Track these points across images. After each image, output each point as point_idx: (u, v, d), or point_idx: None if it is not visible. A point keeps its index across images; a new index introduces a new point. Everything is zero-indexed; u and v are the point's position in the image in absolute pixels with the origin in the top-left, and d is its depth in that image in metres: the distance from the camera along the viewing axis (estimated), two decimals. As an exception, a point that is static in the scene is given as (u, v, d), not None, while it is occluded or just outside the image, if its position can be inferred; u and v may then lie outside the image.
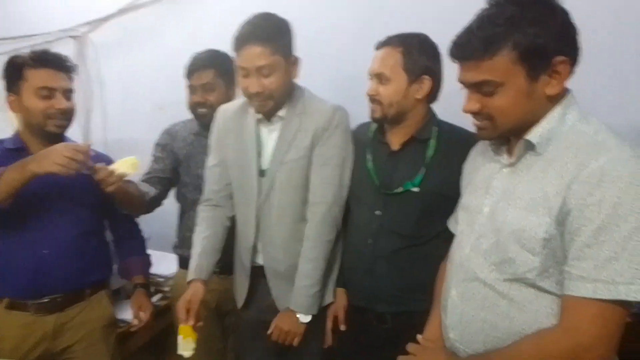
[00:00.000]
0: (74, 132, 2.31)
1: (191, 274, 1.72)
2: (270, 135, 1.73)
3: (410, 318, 1.60)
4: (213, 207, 1.83)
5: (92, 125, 2.75)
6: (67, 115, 1.74)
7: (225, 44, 2.35)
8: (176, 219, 2.19)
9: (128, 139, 2.67)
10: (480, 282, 1.18)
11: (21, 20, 2.84)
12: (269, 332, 1.71)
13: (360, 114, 1.77)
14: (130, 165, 1.64)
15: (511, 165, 1.18)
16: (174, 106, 2.14)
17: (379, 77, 1.62)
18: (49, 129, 1.70)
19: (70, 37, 2.74)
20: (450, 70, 1.30)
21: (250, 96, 1.64)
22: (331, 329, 1.78)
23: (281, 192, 1.71)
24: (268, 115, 1.71)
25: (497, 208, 1.17)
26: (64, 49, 2.70)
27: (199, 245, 1.77)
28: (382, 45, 1.65)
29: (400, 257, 1.64)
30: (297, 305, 1.69)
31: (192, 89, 2.06)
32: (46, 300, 1.70)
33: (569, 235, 1.03)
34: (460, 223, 1.34)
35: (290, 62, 1.65)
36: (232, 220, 1.85)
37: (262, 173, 1.72)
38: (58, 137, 1.74)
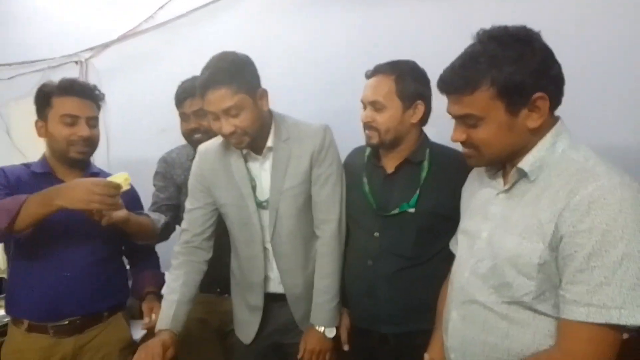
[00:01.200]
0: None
1: (165, 322, 1.65)
2: (262, 167, 1.72)
3: (413, 338, 1.61)
4: (193, 250, 1.77)
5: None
6: (90, 143, 1.76)
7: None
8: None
9: (131, 161, 2.70)
10: (480, 304, 1.21)
11: (26, 46, 2.91)
12: (299, 356, 1.71)
13: (354, 138, 1.82)
14: (123, 180, 1.63)
15: (506, 191, 1.21)
16: (175, 128, 2.18)
17: (374, 105, 1.63)
18: (71, 155, 1.73)
19: (74, 62, 2.81)
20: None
21: (225, 137, 1.61)
22: (334, 349, 1.77)
23: (288, 219, 1.71)
24: (255, 149, 1.68)
25: (495, 234, 1.20)
26: (68, 74, 2.79)
27: (178, 292, 1.70)
28: (373, 73, 1.66)
29: (401, 278, 1.65)
30: (321, 320, 1.71)
31: (184, 117, 2.06)
32: (66, 322, 1.72)
33: (563, 260, 1.05)
34: (460, 246, 1.37)
35: (257, 96, 1.60)
36: (208, 263, 1.81)
37: (261, 205, 1.71)
38: (81, 163, 1.79)
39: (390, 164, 1.70)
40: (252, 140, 1.62)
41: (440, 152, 1.68)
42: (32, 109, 2.85)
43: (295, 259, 1.75)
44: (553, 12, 1.95)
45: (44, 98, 1.74)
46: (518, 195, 1.18)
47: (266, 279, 1.77)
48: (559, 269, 1.07)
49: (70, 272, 1.72)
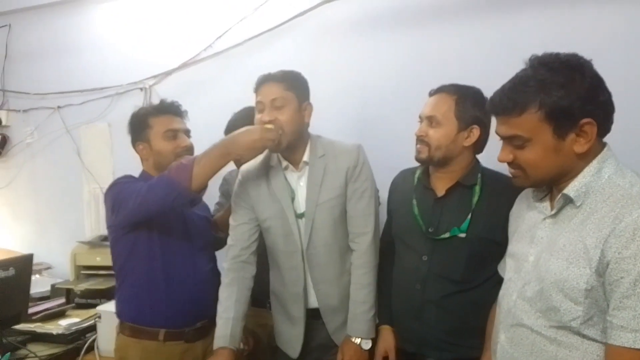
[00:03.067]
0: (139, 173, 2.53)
1: (223, 340, 1.71)
2: (299, 181, 1.81)
3: None
4: (242, 265, 1.84)
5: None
6: (191, 152, 1.91)
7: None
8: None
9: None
10: (528, 328, 1.22)
11: (95, 73, 3.10)
12: None
13: (397, 160, 1.88)
14: None
15: (552, 216, 1.23)
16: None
17: (430, 120, 1.66)
18: None
19: (139, 89, 2.98)
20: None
21: (262, 125, 1.70)
22: None
23: (323, 230, 1.78)
24: (292, 162, 1.78)
25: (541, 258, 1.21)
26: (133, 100, 2.97)
27: (232, 309, 1.76)
28: (437, 91, 1.71)
29: (450, 302, 1.64)
30: (358, 331, 1.75)
31: None
32: (199, 325, 1.85)
33: (610, 286, 1.07)
34: (508, 270, 1.38)
35: (302, 104, 1.76)
36: (254, 279, 1.88)
37: (299, 216, 1.79)
38: None
39: (440, 186, 1.70)
40: (287, 144, 1.72)
41: (492, 177, 1.68)
42: (100, 132, 3.12)
43: (330, 270, 1.80)
44: (601, 35, 1.96)
45: (142, 121, 1.91)
46: (564, 220, 1.20)
47: (306, 291, 1.82)
48: (606, 295, 1.08)
49: (199, 279, 1.85)
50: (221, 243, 2.18)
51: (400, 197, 1.81)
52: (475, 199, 1.64)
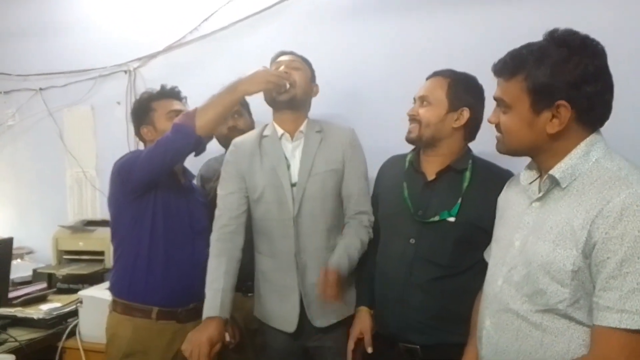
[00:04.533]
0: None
1: (213, 310, 1.69)
2: (294, 152, 1.85)
3: (442, 352, 1.60)
4: (230, 235, 1.84)
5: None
6: None
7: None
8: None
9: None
10: (514, 313, 1.22)
11: (78, 55, 3.04)
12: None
13: (385, 146, 1.89)
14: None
15: (539, 199, 1.23)
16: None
17: (422, 100, 1.70)
18: None
19: (123, 71, 2.94)
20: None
21: (280, 78, 1.79)
22: (352, 350, 1.76)
23: (313, 201, 1.81)
24: (289, 131, 1.85)
25: (528, 241, 1.21)
26: (117, 82, 2.95)
27: (222, 280, 1.75)
28: (433, 74, 1.74)
29: (435, 287, 1.64)
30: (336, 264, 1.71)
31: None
32: (191, 306, 1.88)
33: (596, 267, 1.07)
34: (493, 255, 1.38)
35: (312, 80, 1.89)
36: (244, 250, 1.88)
37: (293, 185, 1.82)
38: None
39: (431, 170, 1.71)
40: (292, 98, 1.81)
41: (483, 165, 1.70)
42: (83, 115, 3.07)
43: (312, 242, 1.81)
44: (597, 25, 1.95)
45: (145, 105, 2.01)
46: (551, 203, 1.20)
47: (297, 258, 1.81)
48: (592, 276, 1.09)
49: (196, 261, 1.88)
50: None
51: (389, 182, 1.83)
52: (466, 184, 1.66)
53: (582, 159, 1.16)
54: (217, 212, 1.89)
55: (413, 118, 1.71)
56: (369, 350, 1.74)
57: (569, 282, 1.11)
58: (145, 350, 1.84)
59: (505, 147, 1.27)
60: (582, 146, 1.16)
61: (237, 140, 1.96)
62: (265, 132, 1.89)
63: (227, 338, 2.04)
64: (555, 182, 1.19)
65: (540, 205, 1.23)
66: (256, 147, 1.88)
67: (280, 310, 1.86)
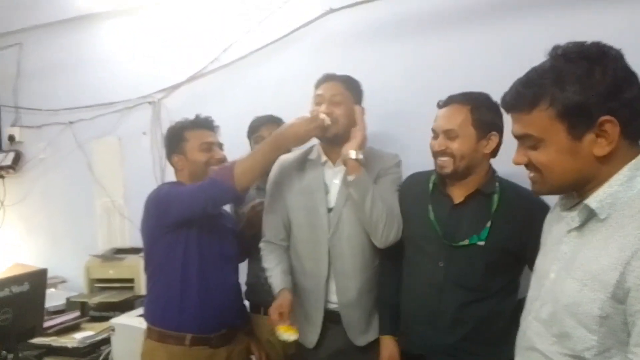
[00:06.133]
0: (151, 186, 2.56)
1: (278, 285, 1.82)
2: (333, 178, 1.86)
3: None
4: (277, 246, 1.94)
5: (166, 180, 2.99)
6: (223, 163, 1.97)
7: (282, 104, 2.56)
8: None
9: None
10: (540, 354, 1.09)
11: (105, 88, 3.15)
12: None
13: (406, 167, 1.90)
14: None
15: (577, 229, 1.07)
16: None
17: (448, 134, 1.62)
18: None
19: (147, 102, 3.02)
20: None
21: (318, 116, 1.79)
22: None
23: (349, 224, 1.81)
24: (331, 158, 1.87)
25: (560, 276, 1.07)
26: (142, 113, 3.04)
27: (278, 267, 1.87)
28: (447, 102, 1.67)
29: (465, 311, 1.62)
30: None
31: (259, 139, 2.25)
32: (224, 331, 1.91)
33: (631, 317, 0.92)
34: (530, 287, 1.23)
35: (358, 103, 1.88)
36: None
37: (329, 210, 1.84)
38: None
39: (458, 193, 1.69)
40: (335, 134, 1.81)
41: (510, 187, 1.67)
42: (111, 146, 3.16)
43: (350, 263, 1.82)
44: (608, 39, 1.95)
45: (178, 135, 2.00)
46: (588, 234, 1.04)
47: (327, 284, 1.84)
48: (627, 326, 0.93)
49: (228, 287, 1.95)
50: (245, 256, 2.24)
51: (412, 200, 1.79)
52: (494, 207, 1.63)
53: (625, 185, 0.99)
54: (263, 226, 1.98)
55: (443, 152, 1.64)
56: None
57: (597, 328, 0.96)
58: None
59: (548, 186, 1.10)
60: (624, 171, 1.00)
61: (283, 158, 1.97)
62: (311, 156, 1.93)
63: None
64: (591, 212, 1.03)
65: (578, 236, 1.07)
66: (298, 168, 1.93)
67: (302, 327, 1.87)
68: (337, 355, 1.86)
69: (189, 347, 1.84)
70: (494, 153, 1.68)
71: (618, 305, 0.93)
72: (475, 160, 1.63)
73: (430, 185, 1.76)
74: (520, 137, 1.09)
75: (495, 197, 1.63)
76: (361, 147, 1.77)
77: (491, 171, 1.70)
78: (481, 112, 1.61)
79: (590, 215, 1.03)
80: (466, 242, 1.62)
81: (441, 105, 1.69)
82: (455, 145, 1.61)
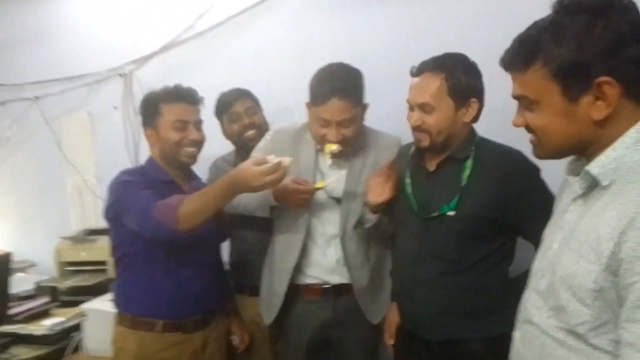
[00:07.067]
0: (124, 163, 2.43)
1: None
2: (332, 166, 1.80)
3: (457, 348, 1.56)
4: None
5: (140, 158, 2.85)
6: (198, 145, 1.83)
7: (261, 76, 2.46)
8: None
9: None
10: (537, 327, 1.05)
11: (73, 61, 3.00)
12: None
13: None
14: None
15: (582, 196, 1.01)
16: (215, 136, 2.21)
17: (422, 107, 1.53)
18: (182, 159, 1.79)
19: (118, 75, 2.87)
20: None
21: (325, 142, 1.72)
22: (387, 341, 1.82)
23: (355, 217, 1.80)
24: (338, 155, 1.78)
25: (561, 246, 1.02)
26: (113, 87, 2.89)
27: None
28: (419, 71, 1.56)
29: (442, 283, 1.58)
30: None
31: (235, 116, 2.17)
32: (199, 316, 1.81)
33: (623, 290, 0.87)
34: (535, 258, 1.17)
35: (364, 110, 1.77)
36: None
37: (334, 199, 1.81)
38: (188, 168, 1.88)
39: (433, 161, 1.61)
40: (345, 152, 1.75)
41: (487, 149, 1.57)
42: (81, 122, 3.00)
43: (361, 254, 1.84)
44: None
45: (152, 107, 1.80)
46: (591, 201, 0.98)
47: (302, 266, 1.85)
48: (621, 300, 0.88)
49: (202, 271, 1.82)
50: (225, 235, 2.14)
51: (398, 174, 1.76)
52: (467, 173, 1.54)
53: (632, 149, 0.92)
54: None
55: (419, 128, 1.55)
56: (390, 342, 1.79)
57: (591, 302, 0.91)
58: None
59: (546, 150, 1.04)
60: (632, 132, 0.92)
61: (277, 128, 1.92)
62: (308, 135, 1.84)
63: (236, 341, 2.03)
64: (593, 179, 0.96)
65: (582, 203, 1.01)
66: (292, 145, 1.84)
67: (267, 304, 1.96)
68: (332, 326, 1.88)
69: (160, 333, 1.75)
70: (476, 118, 1.58)
71: (613, 278, 0.88)
72: (454, 131, 1.55)
73: (409, 155, 1.71)
74: (517, 98, 1.03)
75: (469, 163, 1.55)
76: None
77: (469, 136, 1.60)
78: (457, 78, 1.50)
79: (594, 182, 0.96)
80: (436, 213, 1.56)
81: (414, 73, 1.58)
82: (431, 120, 1.52)
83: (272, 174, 1.50)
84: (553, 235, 1.08)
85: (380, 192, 1.67)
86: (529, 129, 1.04)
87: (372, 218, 1.75)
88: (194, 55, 2.69)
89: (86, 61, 2.95)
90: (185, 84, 1.92)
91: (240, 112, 2.17)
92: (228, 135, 2.24)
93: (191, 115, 1.81)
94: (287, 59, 2.10)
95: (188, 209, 1.58)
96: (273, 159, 1.51)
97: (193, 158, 1.82)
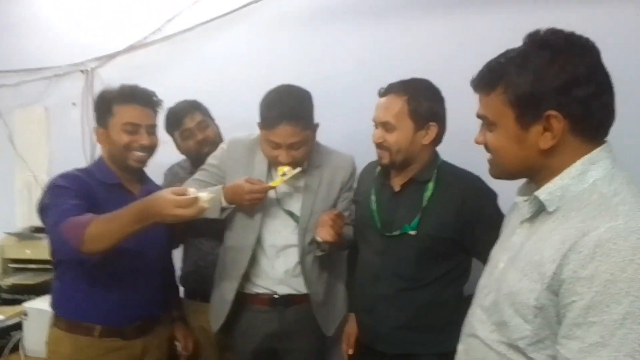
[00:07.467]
0: (78, 161, 2.38)
1: None
2: (286, 182, 1.80)
3: None
4: None
5: (96, 157, 2.79)
6: (149, 150, 1.75)
7: (225, 86, 2.46)
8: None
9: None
10: (480, 340, 1.11)
11: (32, 53, 2.92)
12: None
13: (361, 155, 1.87)
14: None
15: (529, 220, 1.09)
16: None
17: (384, 126, 1.61)
18: (130, 163, 1.72)
19: (80, 71, 2.81)
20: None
21: (277, 164, 1.76)
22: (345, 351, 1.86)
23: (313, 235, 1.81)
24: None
25: (507, 265, 1.09)
26: (74, 82, 2.83)
27: None
28: (386, 92, 1.64)
29: (399, 299, 1.64)
30: None
31: (188, 133, 2.12)
32: (139, 323, 1.75)
33: (562, 309, 0.93)
34: (482, 276, 1.24)
35: (314, 130, 1.80)
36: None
37: (295, 218, 1.84)
38: (139, 172, 1.81)
39: (397, 182, 1.68)
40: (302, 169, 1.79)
41: (448, 172, 1.65)
42: (36, 116, 2.93)
43: (320, 268, 1.87)
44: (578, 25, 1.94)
45: (105, 105, 1.73)
46: (538, 226, 1.05)
47: (250, 275, 1.86)
48: (559, 318, 0.95)
49: (146, 277, 1.75)
50: (176, 242, 2.12)
51: (363, 190, 1.82)
52: (428, 194, 1.62)
53: (577, 179, 0.99)
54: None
55: (380, 145, 1.64)
56: (349, 352, 1.83)
57: (532, 318, 0.98)
58: None
59: (497, 170, 1.12)
60: (578, 164, 0.99)
61: (233, 139, 1.93)
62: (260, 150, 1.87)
63: (179, 348, 1.99)
64: (539, 204, 1.04)
65: (529, 227, 1.08)
66: (246, 156, 1.87)
67: (216, 311, 1.97)
68: (277, 337, 1.90)
69: (98, 339, 1.69)
70: (436, 142, 1.66)
71: (553, 297, 0.95)
72: (413, 151, 1.62)
73: (376, 173, 1.77)
74: (480, 118, 1.11)
75: (430, 185, 1.62)
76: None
77: (431, 158, 1.67)
78: (418, 102, 1.58)
79: (541, 207, 1.04)
80: (398, 232, 1.63)
81: (381, 94, 1.66)
82: (392, 139, 1.60)
83: (185, 207, 1.39)
84: (499, 255, 1.14)
85: (327, 232, 1.68)
86: (487, 148, 1.11)
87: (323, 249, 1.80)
88: (159, 58, 2.66)
89: (46, 54, 2.89)
90: (149, 86, 1.89)
91: (192, 127, 2.12)
92: (183, 151, 2.21)
93: (144, 119, 1.73)
94: (255, 72, 2.10)
95: (94, 230, 1.46)
96: (193, 192, 1.42)
97: (142, 162, 1.76)
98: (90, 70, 2.80)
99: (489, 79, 1.05)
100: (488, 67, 1.06)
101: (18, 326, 2.15)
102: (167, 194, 1.42)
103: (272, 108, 1.71)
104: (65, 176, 1.70)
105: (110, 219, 1.48)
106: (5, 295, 2.45)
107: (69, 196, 1.61)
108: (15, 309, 2.26)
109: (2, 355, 2.08)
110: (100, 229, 1.47)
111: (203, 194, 1.42)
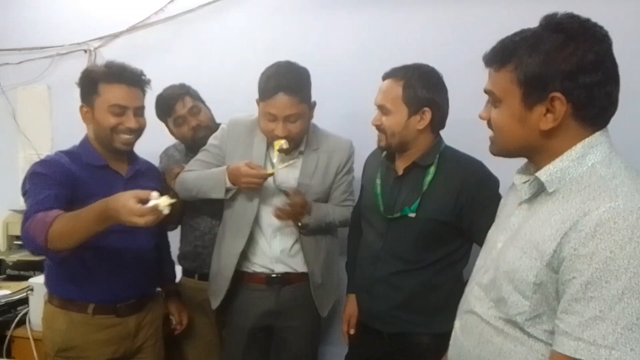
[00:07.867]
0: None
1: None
2: (283, 164, 1.85)
3: (406, 340, 1.69)
4: None
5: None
6: (136, 133, 1.72)
7: (227, 67, 2.46)
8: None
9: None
10: (478, 316, 1.15)
11: (35, 31, 2.91)
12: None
13: (358, 140, 1.90)
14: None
15: (527, 201, 1.12)
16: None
17: (381, 109, 1.66)
18: (116, 145, 1.69)
19: (82, 50, 2.81)
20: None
21: (273, 137, 1.77)
22: (345, 332, 1.92)
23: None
24: (287, 152, 1.83)
25: (505, 245, 1.12)
26: (76, 62, 2.81)
27: None
28: (386, 76, 1.68)
29: (398, 280, 1.69)
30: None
31: (181, 119, 2.11)
32: (133, 300, 1.78)
33: (562, 286, 0.96)
34: (479, 256, 1.28)
35: (311, 107, 1.82)
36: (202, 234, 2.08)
37: (286, 194, 1.86)
38: (127, 153, 1.78)
39: (400, 166, 1.72)
40: (293, 146, 1.82)
41: (450, 158, 1.68)
42: (39, 95, 2.94)
43: (316, 250, 1.94)
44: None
45: (91, 83, 1.67)
46: (536, 206, 1.08)
47: (248, 254, 1.91)
48: (558, 294, 0.98)
49: (138, 255, 1.76)
50: (173, 222, 2.17)
51: (369, 174, 1.86)
52: (429, 178, 1.65)
53: (576, 162, 1.02)
54: (191, 166, 1.97)
55: (378, 128, 1.69)
56: (351, 332, 1.89)
57: (531, 294, 1.01)
58: (82, 345, 1.72)
59: (497, 147, 1.14)
60: (578, 147, 1.02)
61: (234, 119, 1.96)
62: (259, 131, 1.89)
63: (173, 322, 2.05)
64: (540, 185, 1.07)
65: (527, 208, 1.12)
66: (246, 136, 1.90)
67: (215, 288, 2.01)
68: (275, 315, 1.96)
69: (91, 316, 1.71)
70: (436, 126, 1.68)
71: (552, 274, 0.98)
72: (407, 136, 1.65)
73: (382, 157, 1.80)
74: (487, 93, 1.12)
75: (432, 169, 1.66)
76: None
77: (433, 143, 1.70)
78: (414, 88, 1.61)
79: (541, 188, 1.07)
80: (398, 214, 1.66)
81: (383, 77, 1.70)
82: (387, 122, 1.64)
83: (142, 215, 1.34)
84: (497, 236, 1.18)
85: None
86: (489, 124, 1.13)
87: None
88: (162, 38, 2.67)
89: (50, 33, 2.87)
90: (151, 66, 1.90)
91: (184, 114, 2.10)
92: (178, 138, 2.20)
93: (132, 101, 1.68)
94: (256, 54, 2.10)
95: (57, 229, 1.42)
96: (155, 197, 1.36)
97: (129, 145, 1.73)
98: (93, 49, 2.80)
99: (501, 55, 1.06)
100: (502, 44, 1.08)
101: (24, 301, 2.21)
102: (126, 199, 1.35)
103: (270, 79, 1.74)
104: (44, 163, 1.67)
105: (73, 218, 1.44)
106: (10, 272, 2.50)
107: (46, 185, 1.57)
108: (21, 284, 2.31)
109: (9, 328, 2.13)
110: (64, 228, 1.42)
111: (162, 200, 1.36)
